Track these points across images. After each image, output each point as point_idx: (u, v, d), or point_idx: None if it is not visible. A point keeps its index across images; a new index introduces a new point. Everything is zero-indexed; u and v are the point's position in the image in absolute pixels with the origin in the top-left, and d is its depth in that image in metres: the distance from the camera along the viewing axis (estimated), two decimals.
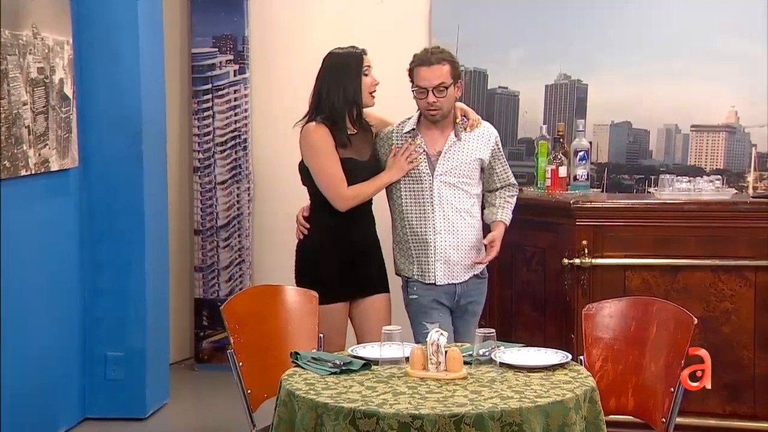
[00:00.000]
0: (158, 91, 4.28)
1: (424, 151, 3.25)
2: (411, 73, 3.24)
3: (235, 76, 4.86)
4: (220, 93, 4.87)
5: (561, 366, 2.52)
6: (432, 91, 3.17)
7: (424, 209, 3.25)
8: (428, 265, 3.25)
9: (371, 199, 3.34)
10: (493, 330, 2.56)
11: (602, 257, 3.47)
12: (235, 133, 4.90)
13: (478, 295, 3.35)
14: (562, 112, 4.51)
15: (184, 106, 4.99)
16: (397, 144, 3.29)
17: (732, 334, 3.48)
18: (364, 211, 3.31)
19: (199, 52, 4.87)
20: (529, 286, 3.75)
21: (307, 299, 3.05)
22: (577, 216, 3.51)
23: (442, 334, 2.48)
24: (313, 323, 3.01)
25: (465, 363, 2.49)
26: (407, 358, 2.51)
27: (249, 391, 2.81)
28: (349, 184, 3.22)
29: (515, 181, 3.43)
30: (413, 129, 3.28)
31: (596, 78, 4.49)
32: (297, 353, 2.64)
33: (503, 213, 3.36)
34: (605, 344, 2.80)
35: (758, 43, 4.19)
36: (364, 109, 3.31)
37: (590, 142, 4.00)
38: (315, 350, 2.92)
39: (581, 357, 2.76)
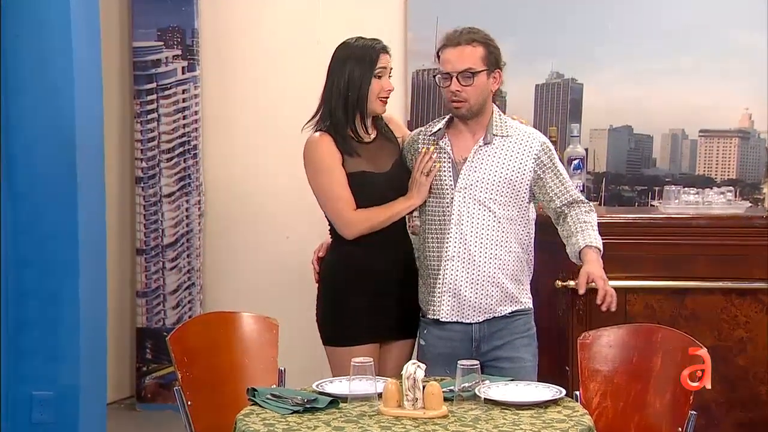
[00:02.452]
0: (94, 91, 4.26)
1: (449, 157, 3.04)
2: (438, 57, 3.03)
3: (183, 73, 4.86)
4: (166, 93, 4.87)
5: (554, 402, 2.54)
6: (456, 77, 2.95)
7: (442, 228, 3.02)
8: (433, 296, 3.03)
9: (405, 221, 3.16)
10: (477, 362, 2.58)
11: None
12: (184, 139, 4.89)
13: (509, 335, 3.00)
14: (555, 115, 4.56)
15: (125, 108, 4.99)
16: (423, 146, 3.07)
17: (747, 366, 3.53)
18: (395, 234, 3.11)
19: (142, 47, 4.87)
20: None
21: (266, 327, 3.06)
22: None
23: (419, 366, 2.49)
24: (273, 355, 3.01)
25: (445, 399, 2.50)
26: (380, 394, 2.52)
27: None
28: (363, 200, 3.06)
29: (583, 197, 3.09)
30: (440, 129, 3.06)
31: (593, 77, 4.54)
32: (254, 389, 2.64)
33: (585, 236, 2.95)
34: (604, 377, 2.82)
35: None
36: (385, 115, 3.17)
37: (586, 149, 4.05)
38: (275, 386, 2.92)
39: (577, 392, 2.78)
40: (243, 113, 4.92)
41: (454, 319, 3.01)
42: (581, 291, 2.85)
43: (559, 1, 4.55)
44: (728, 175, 4.40)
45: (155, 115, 4.88)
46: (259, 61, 4.89)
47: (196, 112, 4.88)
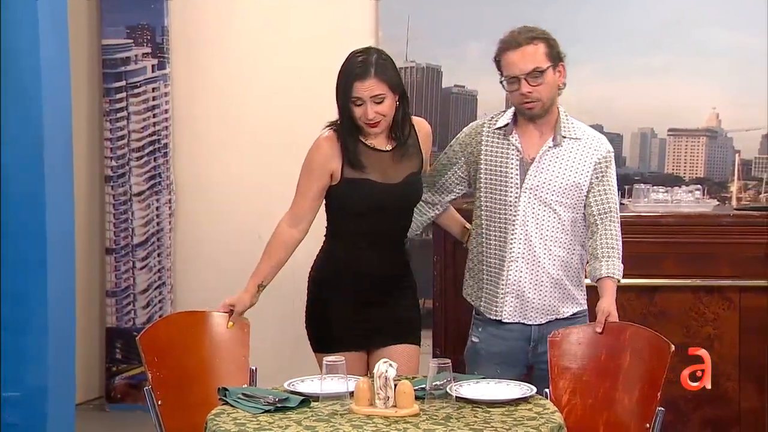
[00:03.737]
0: (63, 89, 4.22)
1: (518, 154, 2.99)
2: (498, 63, 2.99)
3: (153, 71, 4.83)
4: (135, 91, 4.84)
5: (524, 400, 2.56)
6: (525, 78, 2.92)
7: (505, 228, 2.99)
8: (496, 297, 3.00)
9: (407, 226, 3.13)
10: (449, 360, 2.59)
11: None
12: (154, 138, 4.87)
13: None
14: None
15: (94, 106, 4.95)
16: (488, 141, 3.03)
17: (715, 364, 3.56)
18: (389, 239, 3.07)
19: (111, 44, 4.83)
20: None
21: (237, 327, 3.04)
22: None
23: (390, 365, 2.49)
24: (244, 354, 3.01)
25: (417, 398, 2.50)
26: (351, 393, 2.52)
27: None
28: (363, 208, 3.01)
29: (617, 210, 3.00)
30: (507, 124, 3.00)
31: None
32: (225, 389, 2.63)
33: (609, 264, 2.90)
34: (573, 375, 2.84)
35: (751, 36, 4.29)
36: (417, 123, 3.10)
37: None
38: (246, 385, 2.91)
39: (546, 390, 2.80)
40: (214, 111, 4.89)
41: (516, 320, 3.00)
42: (598, 329, 2.83)
43: (532, 0, 4.56)
44: (696, 174, 4.44)
45: (125, 113, 4.85)
46: (229, 59, 4.87)
47: (166, 111, 4.86)
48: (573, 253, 3.00)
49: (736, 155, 4.39)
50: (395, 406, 2.46)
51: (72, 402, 4.31)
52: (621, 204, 4.14)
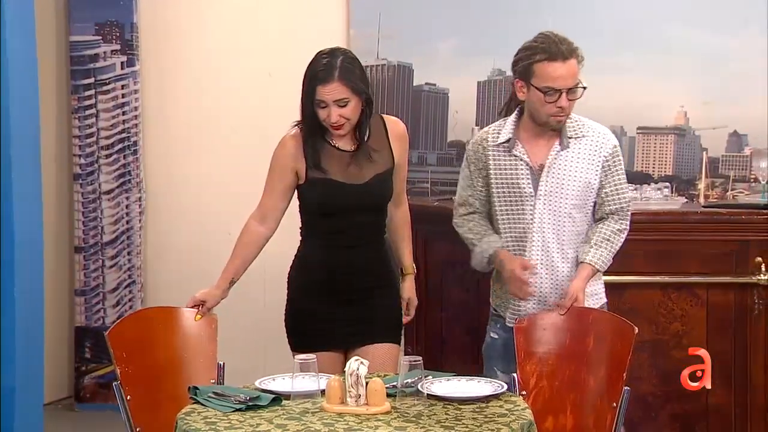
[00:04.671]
0: (30, 86, 4.18)
1: (527, 165, 2.97)
2: (528, 69, 2.92)
3: (122, 68, 4.80)
4: (104, 88, 4.81)
5: (495, 397, 2.56)
6: (566, 92, 2.87)
7: (523, 236, 2.98)
8: (520, 304, 3.01)
9: (381, 224, 3.12)
10: (420, 358, 2.59)
11: None
12: (123, 135, 4.83)
13: None
14: (497, 112, 4.58)
15: (62, 104, 4.90)
16: (495, 157, 3.00)
17: (683, 359, 3.58)
18: (360, 238, 3.05)
19: (79, 41, 4.79)
20: (462, 308, 3.80)
21: (205, 322, 3.04)
22: None
23: (362, 363, 2.49)
24: (213, 349, 3.01)
25: (388, 395, 2.49)
26: (323, 391, 2.51)
27: (138, 429, 2.78)
28: (327, 208, 3.01)
29: (627, 208, 3.02)
30: (510, 138, 2.98)
31: None
32: (196, 388, 2.62)
33: (596, 253, 2.95)
34: (539, 359, 2.89)
35: (718, 34, 4.32)
36: (389, 122, 3.09)
37: None
38: (214, 381, 2.92)
39: (514, 375, 2.85)
40: (184, 109, 4.87)
41: None
42: (561, 312, 2.89)
43: (502, 0, 4.58)
44: (665, 172, 4.48)
45: (93, 110, 4.81)
46: (200, 56, 4.84)
47: (135, 108, 4.82)
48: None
49: (704, 153, 4.42)
50: (367, 403, 2.45)
51: (40, 402, 4.27)
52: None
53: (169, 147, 4.88)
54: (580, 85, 2.88)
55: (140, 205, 4.86)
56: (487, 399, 2.54)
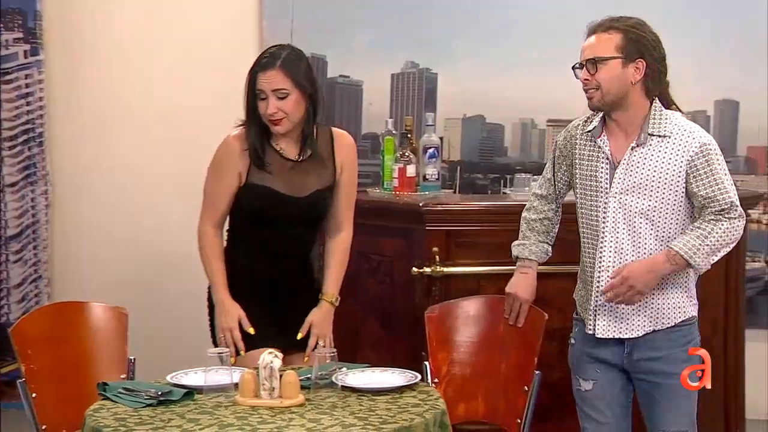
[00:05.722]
0: None
1: (606, 157, 2.77)
2: None
3: (26, 57, 4.67)
4: (7, 78, 4.68)
5: (409, 388, 2.57)
6: (585, 65, 2.74)
7: (595, 234, 2.78)
8: (587, 311, 2.82)
9: (313, 237, 3.04)
10: (335, 349, 2.59)
11: (455, 265, 3.57)
12: (28, 126, 4.72)
13: (668, 348, 2.75)
14: (410, 105, 4.62)
15: None
16: (580, 145, 2.84)
17: None
18: (290, 251, 2.98)
19: None
20: (377, 300, 3.80)
21: (115, 317, 3.00)
22: (427, 220, 3.59)
23: (276, 355, 2.47)
24: (123, 345, 2.96)
25: (302, 388, 2.49)
26: (237, 385, 2.49)
27: (44, 427, 2.74)
28: (263, 219, 2.93)
29: (735, 205, 2.70)
30: (596, 127, 2.81)
31: (447, 67, 4.62)
32: (105, 384, 2.57)
33: (681, 239, 2.68)
34: (451, 347, 2.94)
35: None
36: (337, 136, 3.02)
37: (441, 138, 4.11)
38: (125, 377, 2.88)
39: (426, 363, 2.88)
40: (91, 99, 4.76)
41: (611, 335, 2.78)
42: (606, 298, 2.74)
43: None
44: None
45: None
46: (107, 45, 4.74)
47: (40, 98, 4.70)
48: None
49: None
50: (281, 396, 2.44)
51: None
52: (503, 193, 4.23)
53: (76, 138, 4.76)
54: (600, 56, 2.71)
55: (46, 198, 4.74)
56: (400, 389, 2.56)
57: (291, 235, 2.99)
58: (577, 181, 2.87)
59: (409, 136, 3.90)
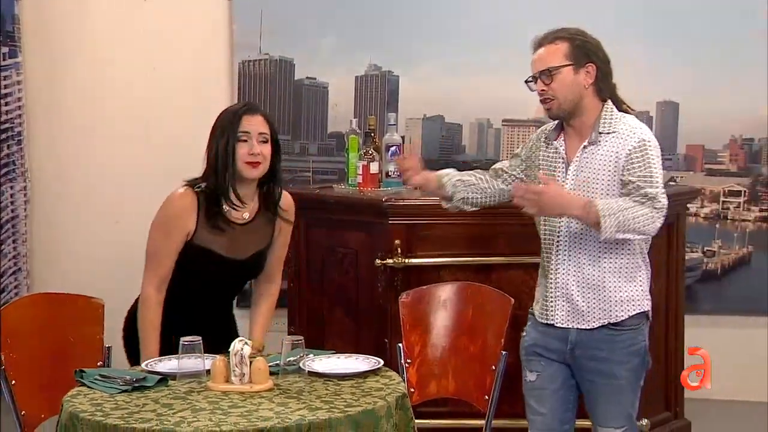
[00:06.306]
0: None
1: (563, 158, 2.76)
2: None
3: (4, 59, 4.61)
4: None
5: (373, 373, 2.58)
6: (540, 77, 2.72)
7: (552, 230, 2.77)
8: (547, 300, 2.78)
9: (240, 290, 2.97)
10: (302, 337, 2.59)
11: (416, 257, 3.58)
12: (7, 125, 4.65)
13: (609, 351, 2.71)
14: (374, 105, 4.62)
15: None
16: (542, 148, 2.82)
17: None
18: (216, 306, 2.90)
19: None
20: (342, 291, 3.80)
21: (91, 308, 2.97)
22: (390, 214, 3.59)
23: (246, 343, 2.47)
24: (99, 333, 2.94)
25: (271, 374, 2.49)
26: (208, 371, 2.48)
27: (23, 413, 2.72)
28: (202, 279, 2.84)
29: (659, 196, 2.62)
30: (551, 131, 2.81)
31: (409, 70, 4.64)
32: (82, 371, 2.55)
33: (603, 201, 2.61)
34: (423, 330, 2.99)
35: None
36: (283, 196, 2.94)
37: (402, 137, 4.12)
38: (101, 364, 2.86)
39: (400, 344, 2.93)
40: (69, 99, 4.71)
41: (571, 326, 2.74)
42: (516, 194, 2.67)
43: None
44: None
45: None
46: (84, 47, 4.69)
47: (19, 98, 4.64)
48: (620, 255, 2.71)
49: None
50: (251, 381, 2.44)
51: None
52: None
53: (54, 137, 4.72)
54: (552, 66, 2.69)
55: (25, 194, 4.69)
56: (364, 375, 2.56)
57: (221, 291, 2.92)
58: (539, 182, 2.79)
59: (372, 135, 3.90)
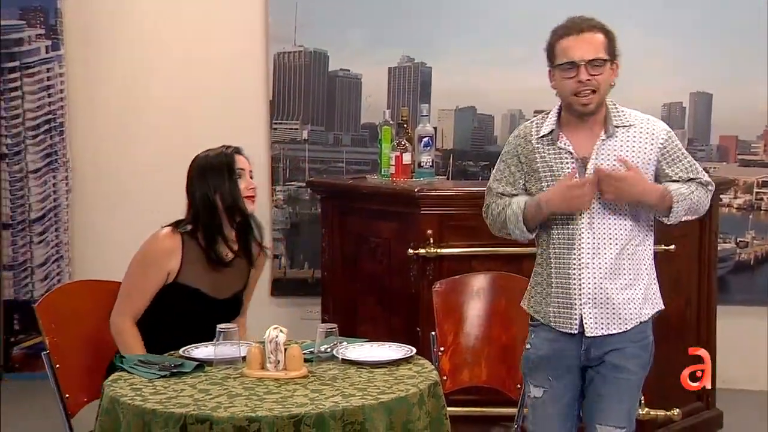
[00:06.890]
0: None
1: (572, 156, 2.55)
2: (551, 50, 2.54)
3: (47, 52, 4.67)
4: (29, 71, 4.68)
5: (405, 361, 2.58)
6: (585, 65, 2.46)
7: (572, 233, 2.54)
8: (571, 309, 2.54)
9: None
10: (335, 325, 2.59)
11: (448, 247, 3.57)
12: (50, 116, 4.71)
13: (620, 342, 2.55)
14: (406, 97, 4.62)
15: None
16: (541, 150, 2.58)
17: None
18: (194, 336, 2.74)
19: (4, 25, 4.65)
20: (374, 279, 3.81)
21: None
22: (422, 204, 3.59)
23: (281, 330, 2.48)
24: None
25: (306, 361, 2.50)
26: (244, 358, 2.50)
27: (67, 396, 2.73)
28: (186, 316, 2.84)
29: (705, 179, 2.59)
30: (553, 130, 2.57)
31: (441, 61, 4.62)
32: (123, 357, 2.59)
33: (674, 186, 2.52)
34: (456, 319, 3.00)
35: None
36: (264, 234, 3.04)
37: (435, 128, 4.11)
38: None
39: (433, 333, 2.93)
40: (109, 92, 4.76)
41: (601, 333, 2.55)
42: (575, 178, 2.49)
43: None
44: None
45: (19, 92, 4.68)
46: (124, 40, 4.73)
47: (61, 90, 4.70)
48: (638, 250, 2.57)
49: None
50: (285, 368, 2.45)
51: None
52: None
53: (95, 128, 4.77)
54: (601, 57, 2.48)
55: (67, 184, 4.74)
56: (397, 362, 2.57)
57: (196, 329, 2.83)
58: (544, 185, 2.61)
59: (405, 126, 3.90)
